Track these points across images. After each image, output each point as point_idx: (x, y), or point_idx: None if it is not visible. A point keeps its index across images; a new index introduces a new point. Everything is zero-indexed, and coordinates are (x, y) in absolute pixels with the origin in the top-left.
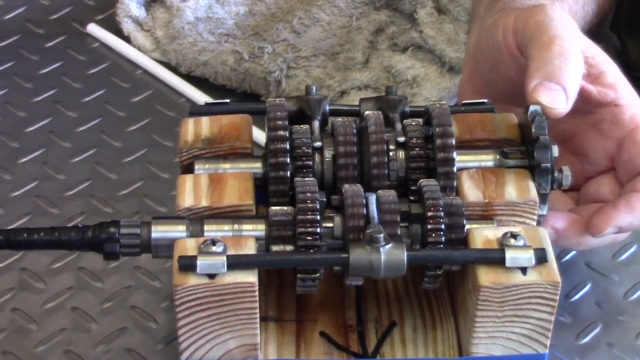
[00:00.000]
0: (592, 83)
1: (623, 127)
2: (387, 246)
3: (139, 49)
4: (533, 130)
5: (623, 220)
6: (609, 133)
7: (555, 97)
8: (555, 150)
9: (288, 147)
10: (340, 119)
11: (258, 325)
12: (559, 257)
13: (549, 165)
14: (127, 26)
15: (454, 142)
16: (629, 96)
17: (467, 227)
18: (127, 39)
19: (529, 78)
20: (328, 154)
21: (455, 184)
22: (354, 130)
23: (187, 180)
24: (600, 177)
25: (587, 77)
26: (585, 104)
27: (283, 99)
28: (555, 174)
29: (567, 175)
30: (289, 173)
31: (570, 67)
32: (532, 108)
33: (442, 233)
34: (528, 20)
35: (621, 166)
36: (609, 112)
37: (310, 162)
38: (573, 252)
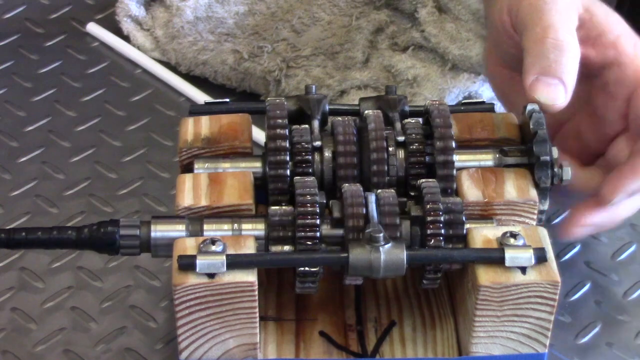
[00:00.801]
0: (591, 45)
1: (628, 85)
2: (387, 246)
3: (138, 48)
4: (531, 126)
5: (631, 185)
6: (616, 93)
7: (554, 92)
8: (555, 151)
9: (288, 145)
10: (339, 118)
11: (257, 324)
12: (558, 257)
13: (548, 158)
14: (127, 25)
15: (454, 144)
16: (632, 50)
17: (467, 226)
18: (126, 38)
19: (525, 74)
20: (328, 153)
21: (454, 186)
22: (354, 130)
23: (187, 180)
24: (618, 138)
25: (586, 40)
26: (589, 70)
27: (283, 99)
28: (556, 169)
29: (567, 170)
30: (288, 171)
31: (566, 58)
32: (529, 107)
33: (441, 236)
34: (521, 0)
35: (631, 125)
36: (613, 72)
37: (310, 162)
38: (573, 252)
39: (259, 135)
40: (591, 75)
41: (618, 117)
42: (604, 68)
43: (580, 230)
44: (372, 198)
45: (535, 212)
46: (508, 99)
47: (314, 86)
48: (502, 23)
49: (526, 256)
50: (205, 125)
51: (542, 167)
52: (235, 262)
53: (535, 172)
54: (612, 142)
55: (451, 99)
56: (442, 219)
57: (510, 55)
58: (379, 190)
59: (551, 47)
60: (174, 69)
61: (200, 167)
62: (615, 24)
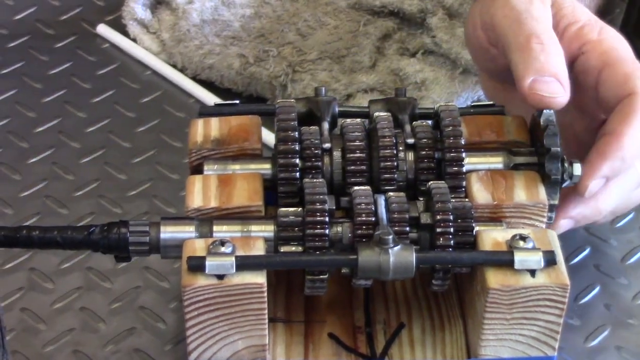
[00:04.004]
0: (560, 40)
1: (594, 73)
2: (396, 248)
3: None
4: (541, 123)
5: (601, 169)
6: (585, 84)
7: (553, 88)
8: (578, 168)
9: (298, 147)
10: (349, 120)
11: (266, 326)
12: (567, 260)
13: (558, 150)
14: (133, 29)
15: (463, 141)
16: (596, 36)
17: (476, 229)
18: (135, 40)
19: (521, 80)
20: (337, 155)
21: (464, 183)
22: (364, 132)
23: (196, 181)
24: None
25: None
26: None
27: (292, 101)
28: (565, 165)
29: (577, 166)
30: (298, 174)
31: (555, 58)
32: (546, 112)
33: (450, 237)
34: (494, 15)
35: (604, 109)
36: (579, 62)
37: (320, 163)
38: (582, 255)
39: (269, 137)
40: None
41: (595, 106)
42: (572, 62)
43: (562, 224)
44: (381, 200)
45: (545, 215)
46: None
47: (323, 88)
48: (477, 39)
49: (535, 259)
50: (215, 126)
51: (552, 160)
52: (245, 264)
53: (545, 165)
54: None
55: (460, 102)
56: (451, 219)
57: (491, 70)
58: (389, 193)
59: (539, 51)
60: (182, 70)
61: (209, 168)
62: (579, 13)
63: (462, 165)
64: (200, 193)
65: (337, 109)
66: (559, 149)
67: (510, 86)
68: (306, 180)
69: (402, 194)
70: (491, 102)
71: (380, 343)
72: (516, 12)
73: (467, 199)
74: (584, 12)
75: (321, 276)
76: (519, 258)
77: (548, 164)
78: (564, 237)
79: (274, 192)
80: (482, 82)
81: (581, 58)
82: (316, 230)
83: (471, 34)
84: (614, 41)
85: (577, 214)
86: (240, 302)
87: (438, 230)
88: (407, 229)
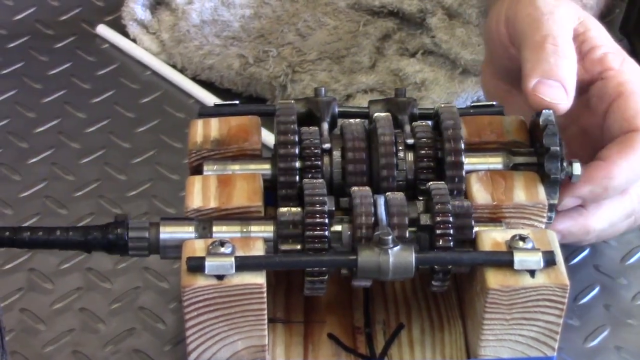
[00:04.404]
0: (581, 60)
1: (607, 100)
2: (396, 248)
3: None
4: (541, 123)
5: (580, 190)
6: (597, 109)
7: (556, 93)
8: (578, 167)
9: (297, 151)
10: (349, 120)
11: (266, 326)
12: (567, 260)
13: (558, 149)
14: (133, 29)
15: (463, 146)
16: (619, 67)
17: (476, 229)
18: (135, 41)
19: (526, 78)
20: (337, 155)
21: (464, 187)
22: (363, 132)
23: (196, 182)
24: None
25: (577, 53)
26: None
27: (292, 101)
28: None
29: (576, 166)
30: (297, 174)
31: (565, 63)
32: (545, 113)
33: (450, 239)
34: (518, 12)
35: (605, 133)
36: (596, 87)
37: (319, 164)
38: (582, 255)
39: (268, 137)
40: (579, 91)
41: (600, 132)
42: (590, 84)
43: (566, 201)
44: (381, 201)
45: (545, 215)
46: None
47: (323, 88)
48: (498, 35)
49: (535, 259)
50: (214, 127)
51: (552, 159)
52: (244, 264)
53: (545, 164)
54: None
55: (459, 103)
56: (451, 220)
57: (505, 68)
58: (388, 193)
59: (551, 52)
60: (182, 71)
61: (209, 169)
62: (606, 40)
63: (462, 169)
64: (199, 193)
65: (336, 110)
66: (558, 148)
67: (516, 89)
68: (306, 180)
69: (401, 194)
70: (491, 103)
71: (380, 343)
72: (539, 13)
73: (466, 200)
74: (610, 39)
75: (321, 277)
76: (519, 258)
77: (547, 163)
78: None
79: (274, 193)
80: (484, 79)
81: (599, 83)
82: (315, 232)
83: (493, 29)
84: (634, 75)
85: (564, 228)
86: (239, 302)
87: (438, 232)
88: (407, 229)
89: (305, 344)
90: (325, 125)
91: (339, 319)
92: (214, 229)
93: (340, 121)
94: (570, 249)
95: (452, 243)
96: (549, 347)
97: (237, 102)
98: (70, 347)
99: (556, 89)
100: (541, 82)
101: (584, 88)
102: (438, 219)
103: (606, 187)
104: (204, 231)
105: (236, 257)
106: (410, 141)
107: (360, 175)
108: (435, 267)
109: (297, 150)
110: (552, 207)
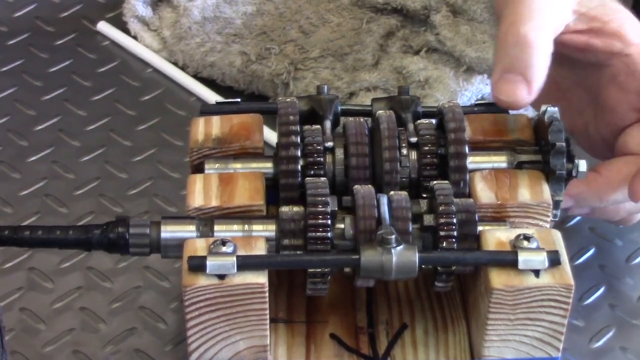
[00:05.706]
0: (595, 35)
1: (639, 78)
2: (399, 247)
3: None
4: (546, 120)
5: (608, 195)
6: (627, 86)
7: (514, 89)
8: (584, 164)
9: (299, 153)
10: (352, 118)
11: (268, 326)
12: (572, 260)
13: (563, 145)
14: (134, 26)
15: (466, 136)
16: (638, 39)
17: (480, 228)
18: (136, 37)
19: (493, 72)
20: (339, 154)
21: (467, 177)
22: (366, 131)
23: (197, 180)
24: (628, 129)
25: (589, 31)
26: (597, 58)
27: (294, 99)
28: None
29: (582, 163)
30: (299, 173)
31: (528, 54)
32: (543, 106)
33: (454, 240)
34: None
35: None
36: (622, 63)
37: (322, 162)
38: (587, 255)
39: (270, 135)
40: (601, 64)
41: (629, 110)
42: (612, 58)
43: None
44: (384, 200)
45: (549, 214)
46: None
47: (325, 86)
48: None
49: (539, 259)
50: (216, 125)
51: (557, 155)
52: (246, 264)
53: (550, 160)
54: (622, 133)
55: (463, 101)
56: (454, 220)
57: None
58: (391, 192)
59: (512, 44)
60: (184, 68)
61: (211, 167)
62: (615, 12)
63: (466, 168)
64: (201, 192)
65: (339, 108)
66: (563, 144)
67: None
68: (308, 179)
69: (404, 193)
70: (495, 101)
71: (383, 344)
72: None
73: (470, 199)
74: (619, 9)
75: (323, 277)
76: (523, 258)
77: (553, 159)
78: (568, 237)
79: (276, 191)
80: None
81: (624, 59)
82: (318, 233)
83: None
84: None
85: (576, 193)
86: (241, 302)
87: (441, 233)
88: (410, 228)
89: (308, 344)
90: (328, 123)
91: (342, 319)
92: (216, 228)
93: (343, 119)
94: (575, 248)
95: (455, 242)
96: (554, 347)
97: (238, 99)
98: (70, 347)
99: (514, 84)
100: (502, 77)
101: (605, 61)
102: (442, 220)
103: (601, 201)
104: (206, 230)
105: (238, 257)
106: (413, 139)
107: (363, 173)
108: (439, 267)
109: (299, 152)
110: (557, 204)
